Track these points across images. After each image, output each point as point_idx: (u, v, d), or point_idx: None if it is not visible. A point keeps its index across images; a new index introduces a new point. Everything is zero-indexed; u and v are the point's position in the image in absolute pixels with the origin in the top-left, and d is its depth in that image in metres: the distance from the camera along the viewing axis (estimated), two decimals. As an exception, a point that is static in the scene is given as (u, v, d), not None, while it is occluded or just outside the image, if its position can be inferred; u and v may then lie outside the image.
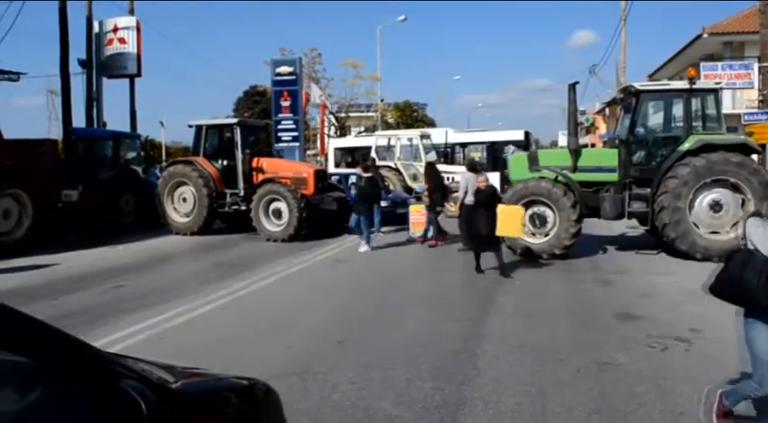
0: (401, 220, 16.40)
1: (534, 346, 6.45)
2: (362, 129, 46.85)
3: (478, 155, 30.30)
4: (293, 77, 23.88)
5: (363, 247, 13.53)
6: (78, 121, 21.22)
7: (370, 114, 47.78)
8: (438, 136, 26.30)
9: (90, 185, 16.84)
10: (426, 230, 14.85)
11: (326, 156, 27.84)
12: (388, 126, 44.36)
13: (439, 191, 14.49)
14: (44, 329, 1.70)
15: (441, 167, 22.47)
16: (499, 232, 10.51)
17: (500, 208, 10.63)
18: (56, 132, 27.72)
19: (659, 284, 9.70)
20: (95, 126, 22.70)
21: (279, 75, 24.00)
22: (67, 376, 1.75)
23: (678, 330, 6.98)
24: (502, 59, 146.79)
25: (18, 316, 1.62)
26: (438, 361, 5.99)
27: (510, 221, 10.51)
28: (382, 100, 45.41)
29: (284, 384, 4.94)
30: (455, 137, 29.17)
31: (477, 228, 10.75)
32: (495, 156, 26.41)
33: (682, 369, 5.72)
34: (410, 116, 54.08)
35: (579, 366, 5.80)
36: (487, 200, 10.73)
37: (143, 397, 1.74)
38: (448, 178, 21.79)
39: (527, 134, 27.68)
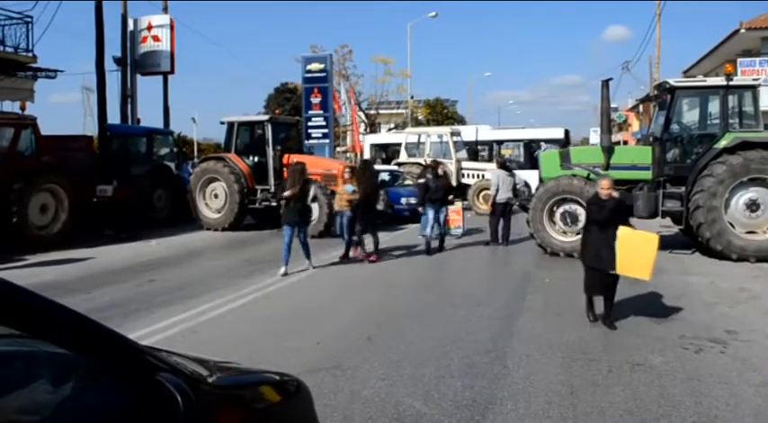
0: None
1: (564, 346, 6.40)
2: (392, 126, 46.86)
3: (509, 152, 30.07)
4: (324, 74, 23.99)
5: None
6: (113, 117, 21.53)
7: (400, 111, 47.72)
8: (470, 133, 26.10)
9: (124, 181, 17.13)
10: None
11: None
12: (418, 123, 44.28)
13: (373, 194, 12.06)
14: (81, 321, 1.73)
15: (469, 165, 22.51)
16: (620, 270, 6.98)
17: (623, 233, 7.00)
18: (91, 129, 28.18)
19: (694, 285, 9.54)
20: (129, 122, 23.06)
21: (309, 72, 24.13)
22: (104, 368, 1.78)
23: (713, 332, 6.86)
24: (533, 55, 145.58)
25: (55, 308, 1.65)
26: (468, 359, 5.97)
27: (637, 254, 6.94)
28: (412, 97, 45.34)
29: (314, 379, 4.97)
30: (492, 134, 28.93)
31: (599, 259, 7.12)
32: (532, 154, 26.14)
33: (716, 371, 5.62)
34: (440, 113, 53.88)
35: (611, 367, 5.73)
36: (612, 217, 7.14)
37: (179, 390, 1.76)
38: (478, 175, 21.78)
39: (566, 132, 27.31)
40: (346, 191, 11.81)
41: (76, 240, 14.01)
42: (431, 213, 12.81)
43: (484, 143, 28.06)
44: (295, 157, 16.60)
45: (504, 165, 15.18)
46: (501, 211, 14.01)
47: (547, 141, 25.82)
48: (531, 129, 30.88)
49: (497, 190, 14.01)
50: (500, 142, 29.15)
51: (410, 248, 13.64)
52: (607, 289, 7.20)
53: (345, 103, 30.49)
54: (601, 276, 7.15)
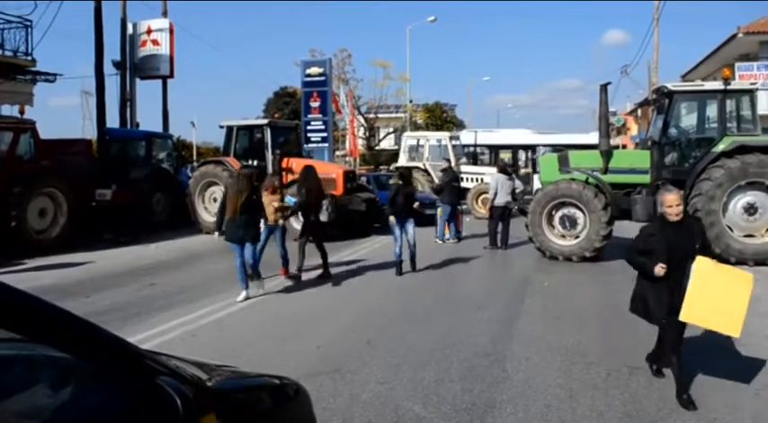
0: (429, 221, 16.37)
1: (563, 349, 6.40)
2: (391, 129, 46.88)
3: (508, 156, 30.06)
4: (323, 78, 23.99)
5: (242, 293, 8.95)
6: (112, 121, 21.56)
7: (399, 115, 47.74)
8: (500, 137, 25.56)
9: (123, 185, 17.13)
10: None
11: (353, 157, 27.82)
12: (417, 127, 44.30)
13: (316, 204, 10.60)
14: (80, 325, 1.73)
15: (469, 169, 22.53)
16: (689, 317, 4.90)
17: (703, 266, 4.87)
18: (90, 132, 28.20)
19: (692, 288, 9.52)
20: (128, 126, 23.08)
21: (309, 76, 24.13)
22: (103, 371, 1.78)
23: (712, 335, 6.84)
24: (532, 59, 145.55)
25: (55, 311, 1.66)
26: (467, 362, 5.98)
27: (722, 298, 4.84)
28: (411, 101, 45.38)
29: (314, 383, 4.98)
30: (529, 138, 28.63)
31: (646, 306, 5.40)
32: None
33: (715, 374, 5.61)
34: (439, 117, 53.88)
35: (610, 370, 5.73)
36: (689, 249, 4.98)
37: (178, 393, 1.77)
38: (477, 179, 21.80)
39: None
40: (287, 202, 10.52)
41: (75, 244, 14.00)
42: (396, 229, 11.06)
43: (524, 147, 27.83)
44: (294, 161, 16.63)
45: (504, 169, 15.27)
46: (500, 215, 14.06)
47: (584, 147, 25.70)
48: (568, 134, 30.59)
49: (495, 194, 14.08)
50: (532, 147, 28.99)
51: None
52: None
53: (344, 106, 30.47)
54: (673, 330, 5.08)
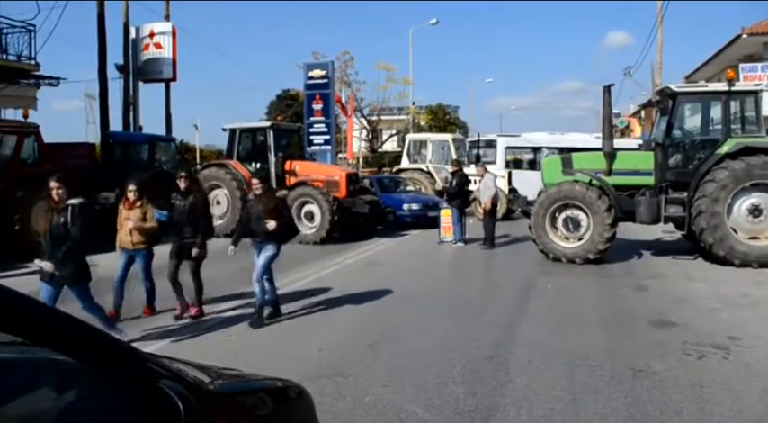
0: (432, 224, 16.37)
1: (567, 352, 6.38)
2: (394, 132, 46.91)
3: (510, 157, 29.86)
4: (325, 81, 24.05)
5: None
6: (115, 124, 21.63)
7: (402, 117, 47.80)
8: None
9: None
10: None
11: (356, 159, 27.79)
12: (419, 129, 44.33)
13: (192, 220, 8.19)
14: (82, 328, 1.73)
15: (470, 171, 22.52)
16: None
17: None
18: (93, 136, 28.30)
19: (696, 290, 9.52)
20: (132, 130, 23.10)
21: (311, 78, 24.19)
22: (105, 375, 1.78)
23: (715, 337, 6.84)
24: (535, 62, 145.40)
25: (57, 315, 1.66)
26: (470, 365, 5.96)
27: None
28: (414, 103, 45.44)
29: (316, 386, 4.97)
30: (580, 140, 28.29)
31: None
32: None
33: (719, 377, 5.59)
34: (442, 119, 53.93)
35: (613, 373, 5.71)
36: None
37: (180, 396, 1.77)
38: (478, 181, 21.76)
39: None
40: (153, 218, 8.12)
41: (79, 247, 13.98)
42: (255, 257, 8.08)
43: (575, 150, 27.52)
44: (297, 164, 16.66)
45: (486, 169, 15.78)
46: (491, 213, 14.72)
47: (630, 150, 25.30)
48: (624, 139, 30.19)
49: (496, 193, 14.60)
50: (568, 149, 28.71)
51: (411, 255, 13.64)
52: None
53: (346, 107, 30.54)
54: None
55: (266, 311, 7.85)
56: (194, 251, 8.08)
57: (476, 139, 24.26)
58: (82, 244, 6.62)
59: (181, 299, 8.15)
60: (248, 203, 8.42)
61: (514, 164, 22.26)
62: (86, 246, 6.73)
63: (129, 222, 8.02)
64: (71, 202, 6.54)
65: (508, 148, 22.32)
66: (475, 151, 21.81)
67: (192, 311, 8.10)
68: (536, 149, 22.22)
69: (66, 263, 6.33)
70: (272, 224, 7.67)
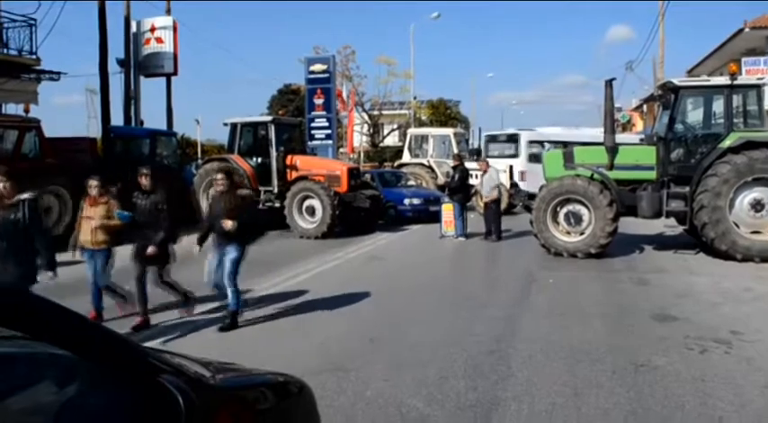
0: (433, 218, 16.36)
1: (568, 347, 6.37)
2: (396, 126, 46.86)
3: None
4: (327, 75, 24.02)
5: None
6: (117, 119, 21.62)
7: (403, 112, 47.75)
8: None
9: (127, 182, 17.12)
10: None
11: (357, 154, 27.76)
12: (421, 123, 44.28)
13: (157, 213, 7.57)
14: (83, 323, 1.73)
15: (472, 165, 22.51)
16: None
17: None
18: (95, 130, 28.32)
19: (698, 285, 9.51)
20: (133, 124, 23.10)
21: (312, 73, 24.16)
22: (106, 369, 1.78)
23: (717, 332, 6.83)
24: (536, 56, 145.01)
25: (59, 310, 1.65)
26: (471, 360, 5.96)
27: None
28: (415, 97, 45.37)
29: (317, 381, 4.96)
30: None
31: None
32: None
33: (721, 372, 5.59)
34: (443, 113, 53.87)
35: (615, 368, 5.71)
36: None
37: (180, 391, 1.76)
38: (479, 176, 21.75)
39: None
40: (116, 218, 7.36)
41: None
42: (214, 259, 7.52)
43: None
44: (298, 158, 16.65)
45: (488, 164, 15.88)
46: (496, 206, 14.85)
47: None
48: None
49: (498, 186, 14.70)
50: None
51: (412, 249, 13.63)
52: None
53: (347, 102, 30.51)
54: None
55: (227, 321, 7.24)
56: (150, 249, 7.21)
57: (495, 133, 24.20)
58: (32, 245, 6.07)
59: (135, 305, 7.46)
60: (210, 201, 7.83)
61: (535, 158, 22.25)
62: (47, 243, 6.38)
63: (91, 220, 7.30)
64: (22, 196, 6.10)
65: (531, 142, 22.28)
66: (475, 145, 21.85)
67: (138, 320, 7.30)
68: (564, 143, 22.14)
69: (10, 263, 5.84)
70: (228, 224, 7.09)
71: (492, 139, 23.81)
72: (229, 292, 7.27)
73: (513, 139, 22.50)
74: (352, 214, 16.13)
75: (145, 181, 7.56)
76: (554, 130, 23.17)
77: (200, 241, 7.62)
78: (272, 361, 5.50)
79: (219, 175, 7.46)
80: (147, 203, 7.48)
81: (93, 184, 7.45)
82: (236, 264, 7.30)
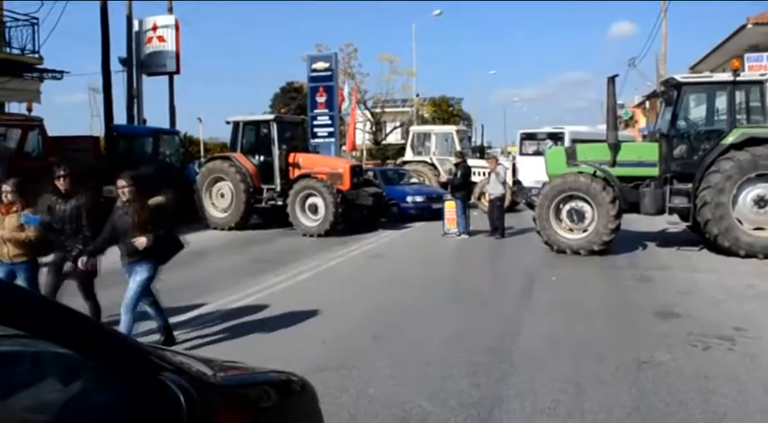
0: (436, 216, 16.35)
1: (571, 344, 6.37)
2: (398, 124, 46.84)
3: (515, 149, 29.92)
4: (329, 73, 23.96)
5: None
6: (119, 117, 21.64)
7: (405, 109, 47.71)
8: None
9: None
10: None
11: (360, 151, 27.73)
12: (423, 121, 44.25)
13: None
14: (84, 322, 1.73)
15: (475, 163, 22.50)
16: None
17: None
18: (98, 129, 28.32)
19: (701, 281, 9.49)
20: (136, 123, 23.13)
21: (315, 70, 24.11)
22: (107, 368, 1.78)
23: (720, 329, 6.82)
24: (538, 53, 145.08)
25: (60, 309, 1.65)
26: (474, 357, 5.96)
27: None
28: (418, 95, 45.34)
29: (320, 378, 4.96)
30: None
31: None
32: None
33: (724, 368, 5.58)
34: (446, 111, 53.82)
35: (618, 364, 5.70)
36: None
37: (182, 389, 1.76)
38: (484, 173, 21.72)
39: None
40: (30, 225, 6.25)
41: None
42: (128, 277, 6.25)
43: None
44: (300, 156, 16.66)
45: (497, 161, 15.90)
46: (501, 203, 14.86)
47: None
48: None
49: (503, 183, 14.77)
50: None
51: (415, 247, 13.62)
52: None
53: (348, 99, 30.46)
54: None
55: (159, 337, 6.46)
56: (81, 261, 6.02)
57: (532, 130, 24.09)
58: None
59: None
60: (114, 212, 6.27)
61: None
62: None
63: (2, 232, 6.20)
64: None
65: (574, 141, 22.31)
66: (480, 143, 21.83)
67: None
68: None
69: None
70: (141, 241, 5.93)
71: (528, 136, 23.69)
72: (124, 317, 5.97)
73: (558, 136, 22.50)
74: (355, 212, 16.13)
75: (63, 183, 6.40)
76: (594, 129, 23.23)
77: (92, 253, 6.19)
78: (274, 359, 5.50)
79: (122, 181, 6.04)
80: (66, 209, 6.38)
81: (6, 189, 6.29)
82: (143, 287, 6.13)
